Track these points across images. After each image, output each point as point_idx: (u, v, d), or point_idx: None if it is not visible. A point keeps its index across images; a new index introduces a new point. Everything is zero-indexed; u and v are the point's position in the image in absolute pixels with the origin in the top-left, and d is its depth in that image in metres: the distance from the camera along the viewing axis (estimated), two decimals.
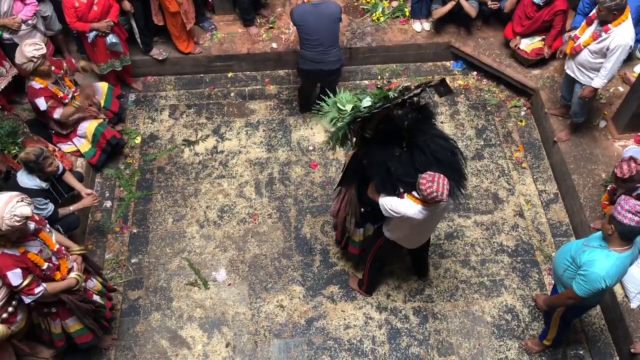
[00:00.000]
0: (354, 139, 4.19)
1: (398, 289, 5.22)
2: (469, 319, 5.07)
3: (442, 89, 4.22)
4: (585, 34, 5.04)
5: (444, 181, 3.71)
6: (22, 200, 3.65)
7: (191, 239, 5.55)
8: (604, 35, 4.84)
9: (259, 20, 6.93)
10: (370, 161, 4.00)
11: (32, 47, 4.93)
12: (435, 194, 3.68)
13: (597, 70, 5.03)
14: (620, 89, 6.09)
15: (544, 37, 6.17)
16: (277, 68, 6.89)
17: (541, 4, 5.85)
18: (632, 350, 4.58)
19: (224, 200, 5.80)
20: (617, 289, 4.84)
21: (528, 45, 6.25)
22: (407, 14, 6.89)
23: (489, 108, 6.54)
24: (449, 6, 6.33)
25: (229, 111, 6.55)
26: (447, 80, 6.46)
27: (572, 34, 5.26)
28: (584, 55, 5.06)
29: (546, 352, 4.86)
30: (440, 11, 6.44)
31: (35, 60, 4.95)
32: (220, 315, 5.11)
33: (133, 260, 5.42)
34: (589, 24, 5.02)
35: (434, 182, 3.68)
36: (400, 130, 3.92)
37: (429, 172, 3.75)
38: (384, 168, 3.90)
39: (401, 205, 3.89)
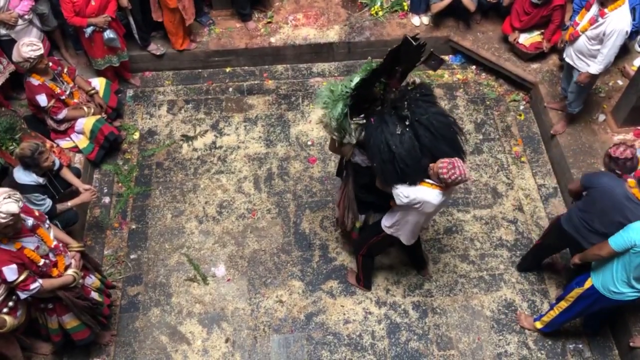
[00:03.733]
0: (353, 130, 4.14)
1: (397, 284, 5.22)
2: (469, 313, 5.07)
3: (433, 62, 4.20)
4: (583, 19, 5.06)
5: (461, 163, 3.75)
6: (9, 197, 3.60)
7: (190, 234, 5.54)
8: (600, 20, 4.87)
9: (256, 15, 6.91)
10: (370, 143, 3.95)
11: (29, 48, 4.92)
12: (459, 177, 3.72)
13: (595, 57, 5.05)
14: (620, 82, 6.08)
15: (542, 31, 6.15)
16: (275, 63, 6.87)
17: (539, 2, 5.84)
18: (631, 344, 4.59)
19: (223, 196, 5.79)
20: None
21: (527, 39, 6.23)
22: (406, 8, 6.86)
23: (488, 102, 6.53)
24: (447, 0, 6.30)
25: (227, 106, 6.53)
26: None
27: (572, 21, 5.28)
28: (582, 42, 5.08)
29: (545, 345, 4.87)
30: (439, 5, 6.42)
31: (32, 60, 4.96)
32: (219, 310, 5.10)
33: (132, 256, 5.42)
34: (588, 9, 5.03)
35: (455, 167, 3.71)
36: (398, 110, 3.91)
37: (442, 160, 3.76)
38: (384, 147, 3.85)
39: (419, 192, 3.89)
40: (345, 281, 5.24)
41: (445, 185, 3.84)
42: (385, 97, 4.05)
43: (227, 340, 4.95)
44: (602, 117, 5.86)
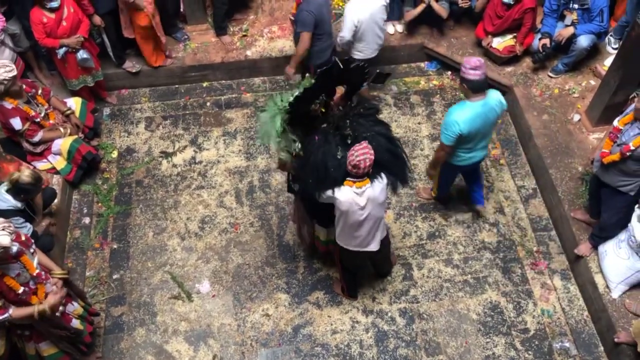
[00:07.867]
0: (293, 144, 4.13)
1: (383, 292, 5.22)
2: (455, 317, 5.09)
3: (379, 78, 4.35)
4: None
5: (368, 154, 3.76)
6: (3, 230, 3.56)
7: (173, 251, 5.49)
8: None
9: (232, 29, 6.91)
10: (309, 159, 3.97)
11: (2, 70, 4.85)
12: (354, 158, 3.75)
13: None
14: (592, 82, 6.18)
15: (515, 34, 6.25)
16: (252, 76, 6.87)
17: (511, 2, 5.92)
18: (615, 339, 4.63)
19: (205, 211, 5.76)
20: (599, 280, 4.90)
21: (500, 43, 6.32)
22: None
23: None
24: (419, 8, 6.36)
25: (205, 121, 6.51)
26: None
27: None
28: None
29: (532, 346, 4.90)
30: (412, 13, 6.48)
31: (6, 82, 4.88)
32: (205, 327, 5.06)
33: (114, 276, 5.35)
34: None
35: (358, 151, 3.76)
36: (341, 129, 3.94)
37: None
38: (321, 167, 3.92)
39: (336, 192, 3.97)
40: (331, 291, 5.22)
41: (351, 170, 3.83)
42: (329, 115, 4.07)
43: (214, 357, 4.90)
44: (577, 117, 5.94)
